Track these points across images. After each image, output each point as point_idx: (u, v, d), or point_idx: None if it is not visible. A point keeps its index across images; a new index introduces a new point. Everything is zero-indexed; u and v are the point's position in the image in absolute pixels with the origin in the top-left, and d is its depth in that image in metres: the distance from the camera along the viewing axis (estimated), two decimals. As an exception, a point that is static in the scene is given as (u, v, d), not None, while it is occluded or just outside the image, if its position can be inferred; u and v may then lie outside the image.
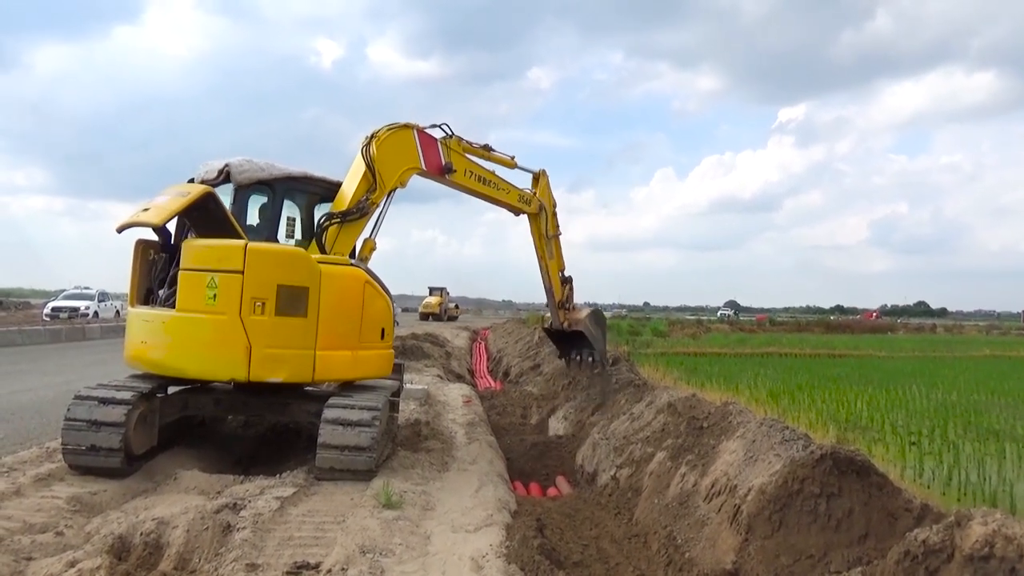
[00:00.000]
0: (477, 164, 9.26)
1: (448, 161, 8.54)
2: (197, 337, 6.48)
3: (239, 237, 6.65)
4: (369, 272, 7.35)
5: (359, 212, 7.47)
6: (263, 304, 6.41)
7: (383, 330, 7.37)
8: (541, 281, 10.93)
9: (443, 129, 8.70)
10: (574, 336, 11.38)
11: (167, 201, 6.52)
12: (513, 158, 10.06)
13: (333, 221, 7.36)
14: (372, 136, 7.72)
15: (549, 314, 11.72)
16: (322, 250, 7.23)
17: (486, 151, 9.56)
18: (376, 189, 7.58)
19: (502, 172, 9.84)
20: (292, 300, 6.51)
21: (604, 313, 12.39)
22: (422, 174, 8.35)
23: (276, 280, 6.48)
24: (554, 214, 10.82)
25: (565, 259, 11.19)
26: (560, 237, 11.00)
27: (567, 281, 11.26)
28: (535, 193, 10.45)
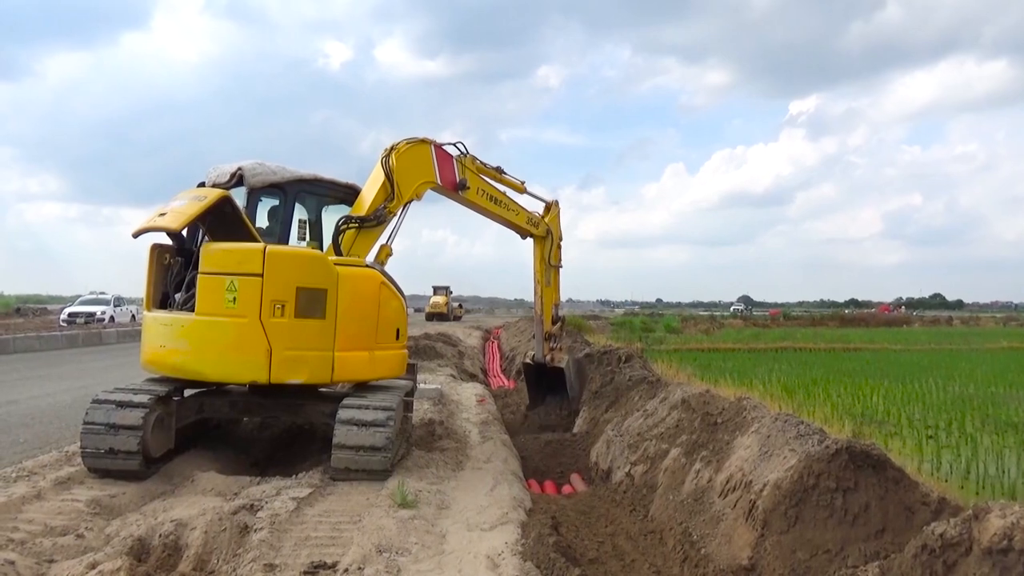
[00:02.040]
0: (489, 184, 9.47)
1: (463, 178, 8.75)
2: (217, 340, 6.51)
3: (255, 240, 6.68)
4: (384, 273, 7.39)
5: (376, 220, 7.60)
6: (283, 306, 6.46)
7: (398, 330, 7.42)
8: (533, 309, 11.02)
9: (458, 147, 8.89)
10: (552, 377, 11.23)
11: (184, 206, 6.55)
12: (523, 183, 10.19)
13: (351, 225, 7.45)
14: (392, 148, 7.89)
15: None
16: (338, 252, 7.29)
17: (498, 173, 9.73)
18: (393, 199, 7.75)
19: (512, 195, 10.02)
20: (311, 302, 6.56)
21: (588, 361, 12.19)
22: (437, 189, 8.55)
23: (295, 282, 6.52)
24: (559, 246, 10.95)
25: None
26: (560, 271, 11.09)
27: (559, 320, 11.29)
28: (544, 218, 10.61)
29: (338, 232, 7.41)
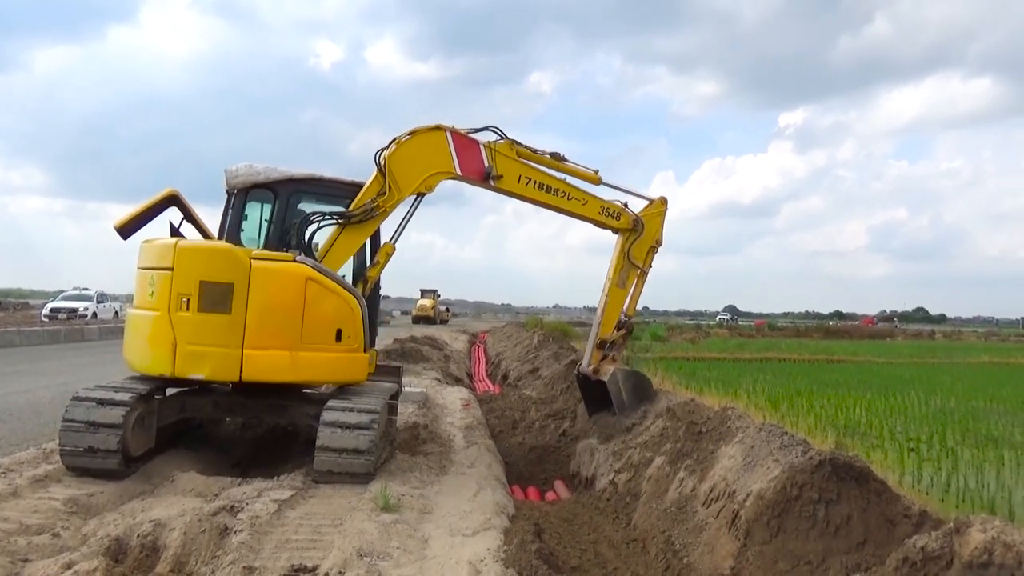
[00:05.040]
0: (540, 171, 8.37)
1: (491, 165, 7.88)
2: (141, 333, 6.78)
3: (207, 238, 7.00)
4: (321, 270, 6.82)
5: (363, 215, 7.21)
6: (188, 300, 6.43)
7: (339, 331, 6.78)
8: (596, 312, 9.38)
9: (494, 132, 8.06)
10: (600, 390, 9.30)
11: (137, 206, 7.03)
12: (597, 172, 8.82)
13: (323, 223, 7.20)
14: (393, 140, 7.45)
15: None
16: (305, 249, 7.08)
17: (556, 160, 8.51)
18: (387, 193, 7.30)
19: (583, 186, 8.79)
20: (215, 297, 6.42)
21: (648, 379, 9.82)
22: (459, 179, 7.89)
23: (199, 276, 6.45)
24: (652, 248, 9.30)
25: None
26: (647, 276, 9.36)
27: (624, 326, 9.38)
28: (626, 206, 9.07)
29: (301, 228, 7.15)
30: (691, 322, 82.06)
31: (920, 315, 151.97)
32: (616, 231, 9.17)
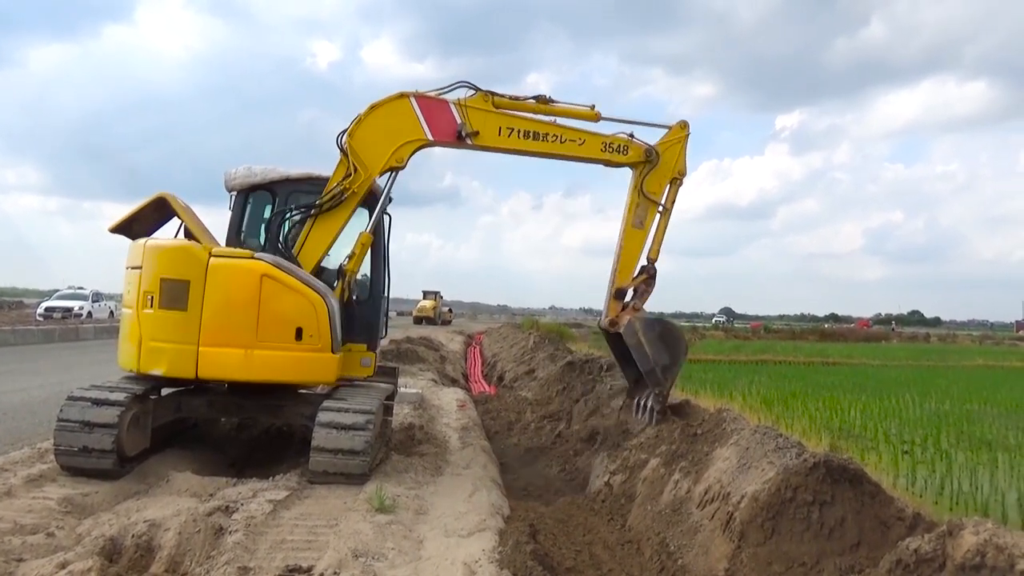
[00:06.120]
0: (524, 118, 7.73)
1: (463, 123, 7.34)
2: (123, 330, 7.02)
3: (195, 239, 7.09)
4: (283, 267, 6.65)
5: (332, 201, 6.96)
6: (152, 298, 6.55)
7: (299, 330, 6.57)
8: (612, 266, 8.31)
9: (466, 86, 7.51)
10: (625, 346, 8.25)
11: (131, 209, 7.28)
12: (594, 108, 7.99)
13: (294, 214, 7.08)
14: (355, 119, 7.11)
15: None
16: (280, 246, 7.04)
17: (542, 104, 7.78)
18: (354, 175, 6.98)
19: (577, 126, 8.03)
20: (174, 293, 6.50)
21: (676, 327, 8.81)
22: (433, 144, 7.43)
23: (160, 274, 6.56)
24: (674, 181, 8.30)
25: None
26: (670, 214, 8.36)
27: (646, 271, 8.36)
28: (632, 136, 8.17)
29: (272, 224, 7.09)
30: (687, 324, 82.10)
31: (915, 318, 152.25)
32: (627, 166, 8.27)
